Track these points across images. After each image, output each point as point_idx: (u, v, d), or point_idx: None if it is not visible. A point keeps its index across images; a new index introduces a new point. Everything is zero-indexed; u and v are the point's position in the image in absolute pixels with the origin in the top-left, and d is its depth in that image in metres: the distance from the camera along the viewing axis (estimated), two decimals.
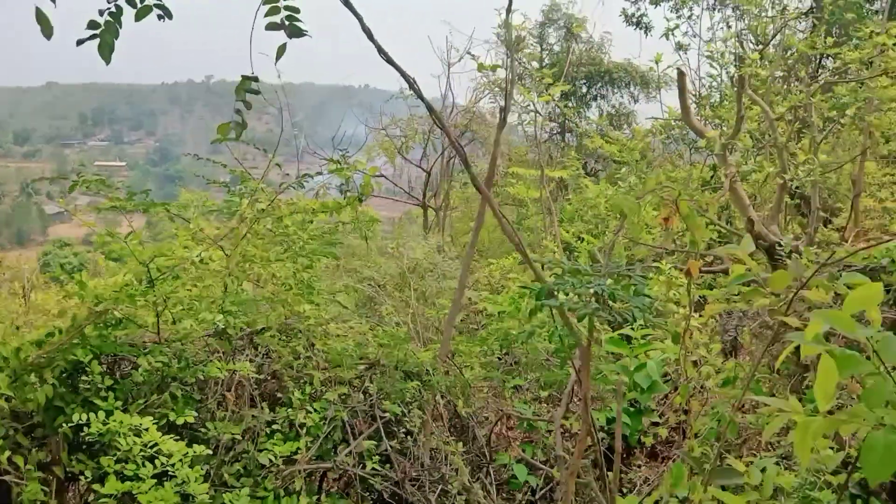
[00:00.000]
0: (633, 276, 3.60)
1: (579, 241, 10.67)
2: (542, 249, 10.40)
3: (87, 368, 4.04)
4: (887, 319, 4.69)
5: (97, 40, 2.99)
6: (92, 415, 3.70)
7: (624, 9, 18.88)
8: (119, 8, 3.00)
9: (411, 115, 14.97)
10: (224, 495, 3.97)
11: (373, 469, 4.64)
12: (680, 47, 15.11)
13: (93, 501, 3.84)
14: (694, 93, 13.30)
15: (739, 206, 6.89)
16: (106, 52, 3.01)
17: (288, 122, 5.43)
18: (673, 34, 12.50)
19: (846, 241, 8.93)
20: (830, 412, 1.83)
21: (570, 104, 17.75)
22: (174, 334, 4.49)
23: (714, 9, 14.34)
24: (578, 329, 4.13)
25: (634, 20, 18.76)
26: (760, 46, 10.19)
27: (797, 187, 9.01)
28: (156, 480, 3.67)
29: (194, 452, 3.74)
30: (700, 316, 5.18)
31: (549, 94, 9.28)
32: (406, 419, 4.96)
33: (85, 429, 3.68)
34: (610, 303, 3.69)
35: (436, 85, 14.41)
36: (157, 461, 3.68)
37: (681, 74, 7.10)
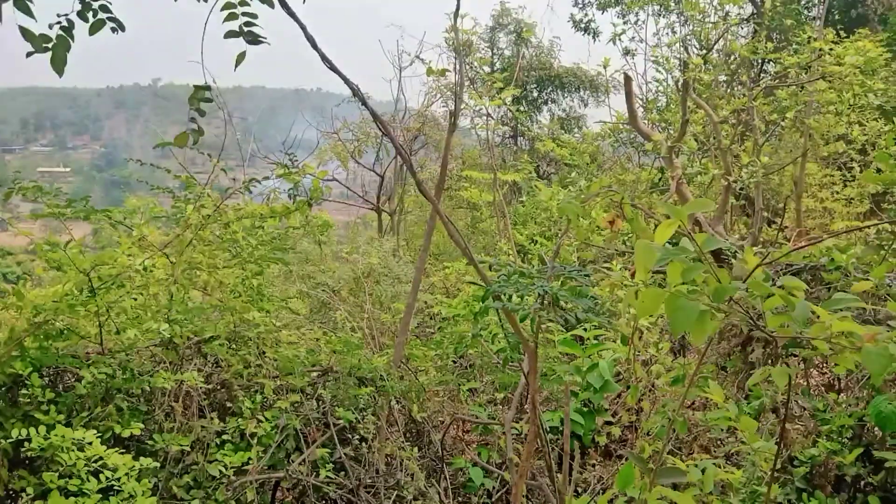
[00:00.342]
0: (575, 278, 3.65)
1: (533, 244, 10.77)
2: (497, 252, 10.46)
3: (27, 381, 3.91)
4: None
5: (48, 53, 3.00)
6: (32, 429, 3.57)
7: (572, 14, 19.16)
8: (71, 22, 3.02)
9: (363, 118, 14.89)
10: None
11: (327, 477, 4.59)
12: (627, 52, 15.42)
13: None
14: (641, 97, 13.55)
15: None
16: (59, 65, 3.05)
17: (237, 127, 5.36)
18: (620, 39, 12.75)
19: (788, 241, 9.21)
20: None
21: (521, 108, 17.90)
22: (118, 345, 4.37)
23: (659, 14, 14.66)
24: (525, 331, 4.16)
25: (582, 25, 19.05)
26: (704, 51, 10.44)
27: (741, 188, 9.26)
28: (101, 495, 3.56)
29: (141, 465, 3.65)
30: (649, 316, 5.28)
31: (501, 99, 9.34)
32: (360, 426, 4.92)
33: (26, 444, 3.56)
34: (562, 304, 3.73)
35: (388, 89, 14.40)
36: (102, 475, 3.58)
37: (627, 79, 7.23)
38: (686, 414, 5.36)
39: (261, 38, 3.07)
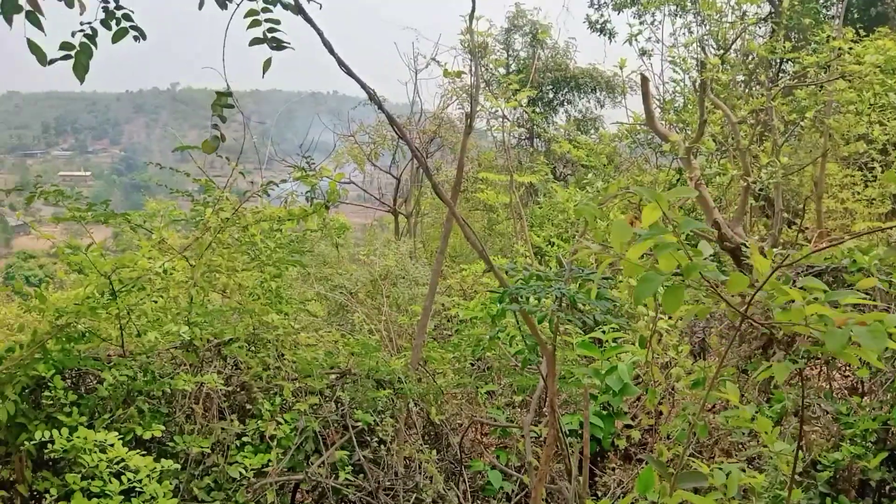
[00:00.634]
0: (594, 280, 3.63)
1: (550, 246, 10.73)
2: (514, 254, 10.44)
3: (49, 384, 3.96)
4: None
5: (70, 60, 3.02)
6: (55, 431, 3.61)
7: (588, 15, 19.08)
8: (94, 30, 3.04)
9: (380, 121, 14.92)
10: None
11: (346, 479, 4.60)
12: (643, 53, 15.33)
13: None
14: (658, 97, 13.47)
15: (705, 208, 6.99)
16: (81, 72, 3.08)
17: (255, 130, 5.39)
18: (636, 40, 12.66)
19: (809, 242, 9.10)
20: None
21: (537, 110, 17.85)
22: (139, 347, 4.41)
23: (676, 15, 14.57)
24: (543, 333, 4.14)
25: (598, 26, 18.98)
26: (721, 51, 10.35)
27: (761, 189, 9.17)
28: (123, 497, 3.60)
29: (162, 467, 3.68)
30: (669, 318, 5.23)
31: (517, 100, 9.33)
32: (379, 428, 4.92)
33: (49, 446, 3.60)
34: (580, 306, 3.71)
35: (403, 91, 14.42)
36: (124, 477, 3.61)
37: (644, 80, 7.18)
38: (707, 417, 5.31)
39: (285, 44, 3.08)
